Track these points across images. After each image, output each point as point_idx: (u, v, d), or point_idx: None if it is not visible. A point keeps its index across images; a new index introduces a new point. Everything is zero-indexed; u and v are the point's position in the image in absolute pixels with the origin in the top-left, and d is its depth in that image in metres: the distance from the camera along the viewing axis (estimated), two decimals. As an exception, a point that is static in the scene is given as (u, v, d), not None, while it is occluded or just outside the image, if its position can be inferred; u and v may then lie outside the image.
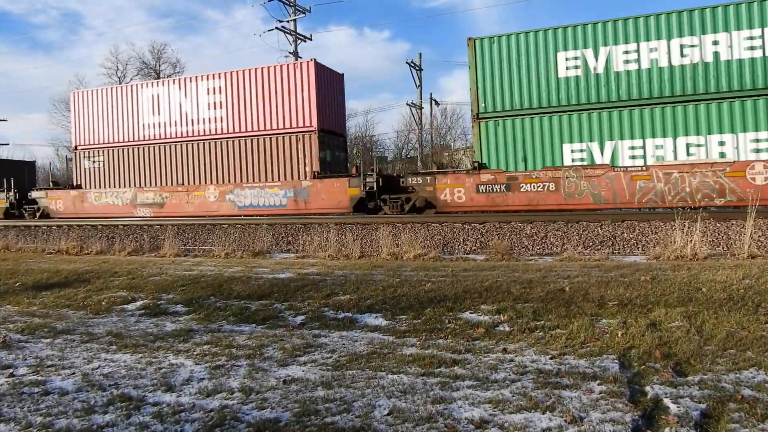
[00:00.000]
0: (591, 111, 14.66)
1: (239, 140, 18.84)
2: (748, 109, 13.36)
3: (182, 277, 8.91)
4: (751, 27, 13.30)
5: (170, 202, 18.84)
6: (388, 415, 3.41)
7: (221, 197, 18.21)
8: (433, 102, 41.91)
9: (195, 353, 4.92)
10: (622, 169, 13.84)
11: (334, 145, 19.26)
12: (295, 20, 29.83)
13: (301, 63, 18.37)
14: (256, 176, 18.51)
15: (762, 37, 13.23)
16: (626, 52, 14.38)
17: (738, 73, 13.46)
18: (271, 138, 18.39)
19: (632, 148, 14.37)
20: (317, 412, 3.50)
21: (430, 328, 5.49)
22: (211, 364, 4.58)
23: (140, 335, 5.64)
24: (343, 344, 5.07)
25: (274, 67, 18.41)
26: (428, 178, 15.79)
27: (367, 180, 16.25)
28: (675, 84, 14.01)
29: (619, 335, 4.88)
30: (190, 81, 19.71)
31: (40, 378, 4.36)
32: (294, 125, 18.05)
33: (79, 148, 21.59)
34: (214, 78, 19.34)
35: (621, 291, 6.51)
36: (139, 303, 7.35)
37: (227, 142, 19.03)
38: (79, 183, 21.48)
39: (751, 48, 13.36)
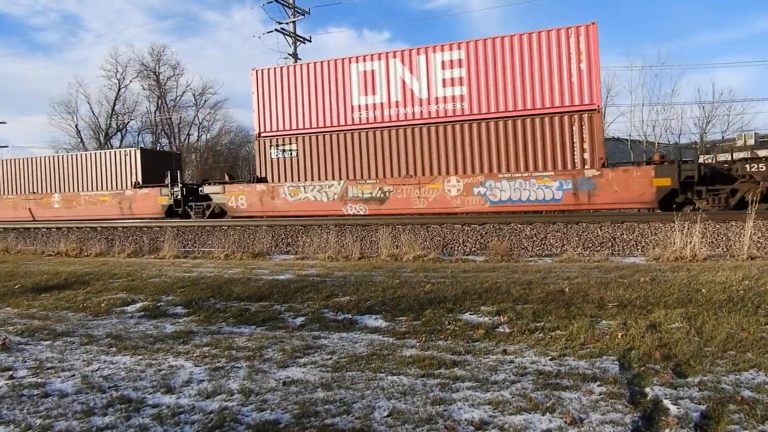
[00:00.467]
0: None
1: (489, 122, 15.45)
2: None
3: (182, 279, 8.90)
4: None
5: (394, 197, 15.72)
6: (387, 416, 3.41)
7: (467, 191, 15.08)
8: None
9: (195, 355, 4.92)
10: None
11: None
12: (294, 22, 29.86)
13: (577, 28, 14.69)
14: (516, 165, 15.18)
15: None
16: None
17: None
18: (535, 119, 15.01)
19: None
20: (317, 413, 3.49)
21: (429, 330, 5.49)
22: (210, 365, 4.58)
23: (140, 337, 5.64)
24: (343, 346, 5.07)
25: (537, 34, 15.05)
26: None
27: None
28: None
29: (619, 336, 4.88)
30: (418, 53, 16.05)
31: (39, 380, 4.35)
32: (567, 103, 14.70)
33: (263, 135, 17.76)
34: (451, 49, 15.79)
35: (621, 292, 6.51)
36: (138, 305, 7.35)
37: (472, 125, 15.61)
38: (263, 176, 17.78)
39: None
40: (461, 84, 15.70)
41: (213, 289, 8.00)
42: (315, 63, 17.28)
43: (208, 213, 18.47)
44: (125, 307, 7.26)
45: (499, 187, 14.89)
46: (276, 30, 29.49)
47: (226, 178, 18.92)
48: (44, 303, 7.74)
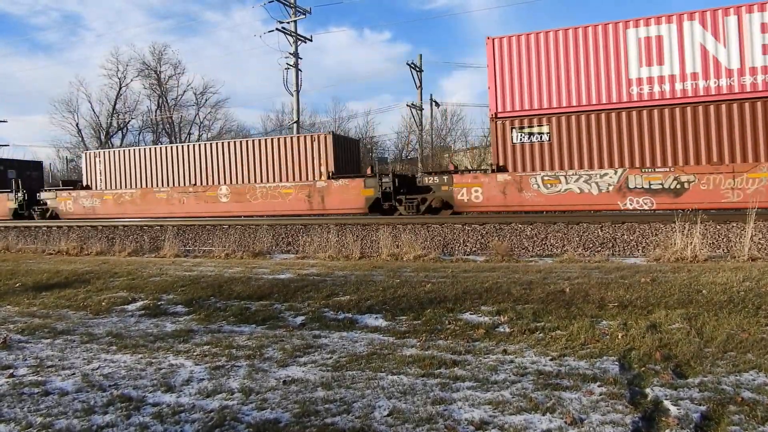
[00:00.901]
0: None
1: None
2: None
3: (182, 278, 8.91)
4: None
5: (696, 189, 13.24)
6: (388, 415, 3.41)
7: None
8: (434, 103, 41.94)
9: (195, 354, 4.92)
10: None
11: None
12: (295, 21, 29.85)
13: None
14: None
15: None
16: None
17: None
18: None
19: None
20: (317, 412, 3.49)
21: (430, 329, 5.49)
22: (211, 364, 4.58)
23: (140, 336, 5.64)
24: (343, 345, 5.07)
25: None
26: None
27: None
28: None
29: (620, 337, 4.88)
30: (726, 14, 13.27)
31: (40, 378, 4.36)
32: None
33: (500, 116, 15.24)
34: None
35: (621, 292, 6.51)
36: (139, 303, 7.35)
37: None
38: (501, 164, 15.35)
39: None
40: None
41: (213, 288, 8.00)
42: (574, 29, 14.54)
43: (423, 208, 16.46)
44: (126, 306, 7.27)
45: None
46: (277, 29, 29.50)
47: (450, 167, 17.18)
48: (45, 301, 7.75)
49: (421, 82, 38.66)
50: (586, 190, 14.21)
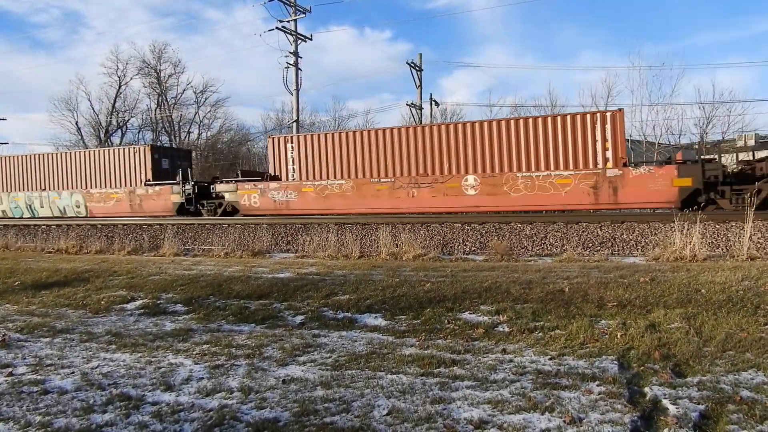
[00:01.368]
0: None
1: None
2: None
3: (181, 277, 8.91)
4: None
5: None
6: (387, 415, 3.41)
7: None
8: (433, 102, 41.93)
9: (194, 353, 4.92)
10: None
11: None
12: (295, 20, 29.83)
13: None
14: None
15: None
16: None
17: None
18: None
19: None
20: (316, 411, 3.50)
21: (429, 329, 5.50)
22: (210, 363, 4.58)
23: (139, 334, 5.64)
24: (343, 344, 5.07)
25: None
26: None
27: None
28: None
29: (619, 336, 4.88)
30: None
31: (39, 377, 4.35)
32: None
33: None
34: None
35: (620, 292, 6.51)
36: (138, 302, 7.35)
37: None
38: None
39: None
40: None
41: (213, 287, 8.00)
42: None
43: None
44: (125, 305, 7.26)
45: None
46: (277, 28, 29.46)
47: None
48: (44, 300, 7.74)
49: (420, 82, 38.63)
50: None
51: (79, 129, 48.68)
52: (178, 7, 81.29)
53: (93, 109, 49.05)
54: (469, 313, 5.99)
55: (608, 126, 15.21)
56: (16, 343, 5.44)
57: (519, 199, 15.50)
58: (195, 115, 49.87)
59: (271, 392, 3.87)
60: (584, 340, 4.86)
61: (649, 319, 5.34)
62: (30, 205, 22.19)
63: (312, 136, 18.66)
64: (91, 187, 21.23)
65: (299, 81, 29.64)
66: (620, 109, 15.43)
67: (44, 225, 18.65)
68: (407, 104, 39.25)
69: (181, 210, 19.44)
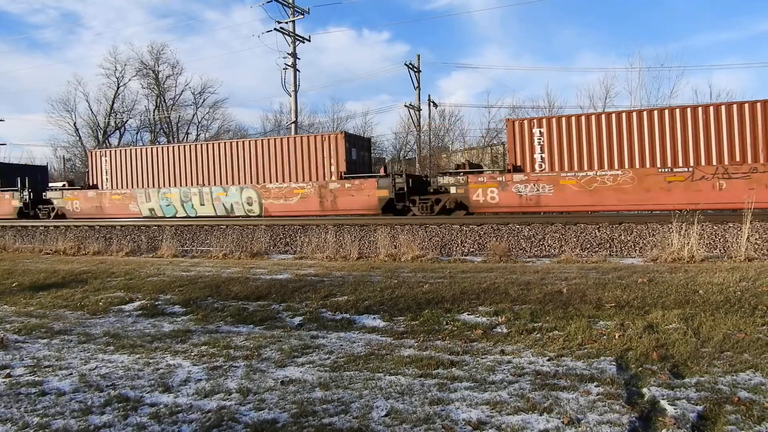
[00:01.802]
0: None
1: None
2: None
3: (180, 278, 8.90)
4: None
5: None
6: (385, 416, 3.41)
7: None
8: (432, 104, 41.96)
9: (193, 354, 4.92)
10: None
11: None
12: (293, 21, 29.85)
13: None
14: None
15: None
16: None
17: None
18: None
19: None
20: (315, 413, 3.50)
21: (427, 330, 5.50)
22: (208, 364, 4.58)
23: (138, 336, 5.64)
24: (341, 345, 5.07)
25: None
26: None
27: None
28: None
29: (617, 337, 4.89)
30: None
31: (37, 378, 4.35)
32: None
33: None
34: None
35: (618, 293, 6.52)
36: (136, 303, 7.34)
37: None
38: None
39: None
40: None
41: (211, 289, 7.99)
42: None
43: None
44: (123, 306, 7.25)
45: None
46: (275, 29, 29.46)
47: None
48: (42, 301, 7.73)
49: (419, 83, 38.65)
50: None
51: (77, 130, 48.64)
52: (177, 8, 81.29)
53: (91, 110, 49.03)
54: (468, 314, 5.99)
55: None
56: (14, 344, 5.43)
57: None
58: (193, 116, 49.84)
59: (270, 393, 3.87)
60: (582, 341, 4.87)
61: (647, 320, 5.35)
62: (186, 203, 19.43)
63: (572, 118, 15.53)
64: (267, 181, 18.56)
65: (297, 82, 29.64)
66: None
67: (42, 226, 18.60)
68: (405, 105, 39.26)
69: (388, 207, 17.08)
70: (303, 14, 30.25)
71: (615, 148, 14.78)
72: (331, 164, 17.97)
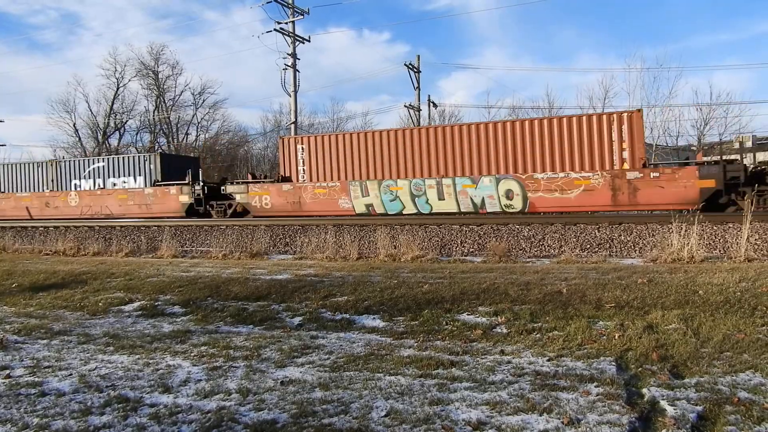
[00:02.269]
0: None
1: None
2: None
3: (180, 279, 8.89)
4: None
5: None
6: (385, 416, 3.41)
7: None
8: (431, 104, 41.97)
9: (192, 354, 4.92)
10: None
11: None
12: (293, 22, 29.85)
13: None
14: None
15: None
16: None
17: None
18: None
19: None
20: (315, 413, 3.49)
21: (427, 330, 5.50)
22: (208, 365, 4.58)
23: (137, 336, 5.63)
24: (341, 345, 5.07)
25: None
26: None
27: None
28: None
29: (616, 337, 4.89)
30: None
31: (36, 379, 4.34)
32: None
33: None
34: None
35: (618, 293, 6.52)
36: (136, 304, 7.34)
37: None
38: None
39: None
40: None
41: (211, 289, 7.99)
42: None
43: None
44: (123, 307, 7.25)
45: None
46: (275, 30, 29.47)
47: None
48: (41, 302, 7.73)
49: (418, 83, 38.67)
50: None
51: (77, 131, 48.60)
52: (176, 9, 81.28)
53: (91, 110, 48.99)
54: (468, 315, 5.99)
55: None
56: (14, 345, 5.43)
57: None
58: (193, 116, 49.83)
59: (270, 394, 3.87)
60: (582, 341, 4.87)
61: (647, 321, 5.35)
62: (419, 197, 16.31)
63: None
64: (534, 170, 15.36)
65: (297, 82, 29.63)
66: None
67: (42, 227, 18.60)
68: (405, 105, 39.27)
69: (713, 201, 14.31)
70: (303, 14, 30.25)
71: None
72: (622, 150, 14.74)
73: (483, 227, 13.07)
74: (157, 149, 43.78)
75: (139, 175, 21.02)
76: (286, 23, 29.81)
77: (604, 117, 15.20)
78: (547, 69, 71.00)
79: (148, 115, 49.35)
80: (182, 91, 49.63)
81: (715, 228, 11.20)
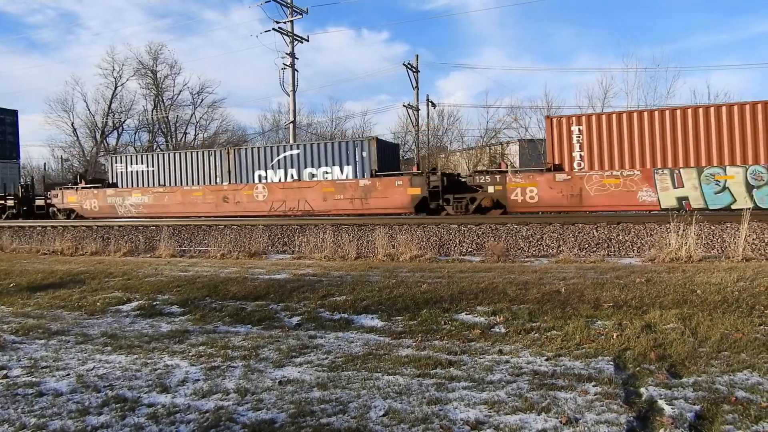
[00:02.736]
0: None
1: None
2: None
3: (178, 278, 8.88)
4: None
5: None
6: (383, 416, 3.41)
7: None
8: (430, 104, 41.97)
9: (190, 354, 4.91)
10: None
11: None
12: (291, 21, 29.82)
13: None
14: None
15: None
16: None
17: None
18: None
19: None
20: (313, 413, 3.49)
21: (426, 330, 5.50)
22: (206, 365, 4.57)
23: (135, 336, 5.62)
24: (339, 345, 5.07)
25: None
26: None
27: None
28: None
29: (615, 337, 4.90)
30: None
31: (34, 379, 4.34)
32: None
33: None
34: None
35: (616, 293, 6.53)
36: (134, 304, 7.33)
37: None
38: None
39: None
40: None
41: (209, 289, 7.98)
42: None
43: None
44: (121, 306, 7.24)
45: None
46: (273, 29, 29.43)
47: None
48: (39, 302, 7.71)
49: (417, 83, 38.66)
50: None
51: (75, 130, 48.53)
52: (175, 8, 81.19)
53: (89, 110, 48.94)
54: (466, 314, 5.99)
55: None
56: (11, 345, 5.42)
57: None
58: (191, 116, 49.80)
59: (268, 393, 3.86)
60: (580, 340, 4.87)
61: (645, 320, 5.36)
62: (760, 188, 13.37)
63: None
64: None
65: (296, 82, 29.62)
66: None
67: (39, 227, 18.56)
68: (404, 105, 39.26)
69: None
70: (301, 14, 30.23)
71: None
72: None
73: (481, 227, 13.07)
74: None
75: (347, 164, 17.90)
76: (285, 23, 29.78)
77: None
78: (546, 69, 71.11)
79: (147, 114, 49.31)
80: (180, 91, 49.62)
81: (713, 228, 11.22)
